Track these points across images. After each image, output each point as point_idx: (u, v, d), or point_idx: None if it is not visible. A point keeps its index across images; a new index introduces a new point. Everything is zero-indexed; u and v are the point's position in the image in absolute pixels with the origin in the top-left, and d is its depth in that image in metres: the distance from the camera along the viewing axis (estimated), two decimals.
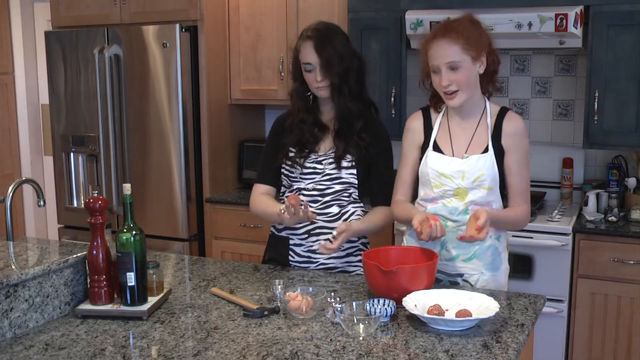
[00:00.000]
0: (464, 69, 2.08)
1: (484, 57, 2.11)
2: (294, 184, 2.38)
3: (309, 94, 2.37)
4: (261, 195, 2.44)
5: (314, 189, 2.34)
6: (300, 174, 2.36)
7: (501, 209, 2.22)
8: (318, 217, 2.33)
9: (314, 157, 2.36)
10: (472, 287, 2.18)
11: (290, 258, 2.39)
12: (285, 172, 2.39)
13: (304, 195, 2.34)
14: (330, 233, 2.24)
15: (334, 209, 2.35)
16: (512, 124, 2.18)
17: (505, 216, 2.19)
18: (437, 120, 2.25)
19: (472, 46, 2.07)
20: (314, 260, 2.37)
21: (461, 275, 2.21)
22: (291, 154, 2.36)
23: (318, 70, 2.28)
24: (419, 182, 2.27)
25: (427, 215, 2.07)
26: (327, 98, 2.34)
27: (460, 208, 2.17)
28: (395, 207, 2.28)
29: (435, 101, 2.25)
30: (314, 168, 2.35)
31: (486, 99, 2.22)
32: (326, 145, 2.37)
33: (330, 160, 2.34)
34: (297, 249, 2.38)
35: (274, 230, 2.47)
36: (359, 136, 2.33)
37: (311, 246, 2.35)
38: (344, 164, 2.33)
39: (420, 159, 2.25)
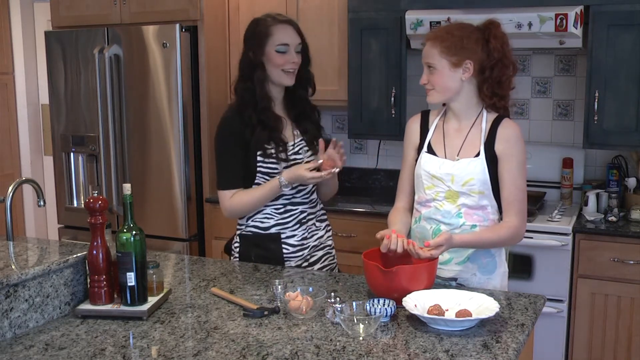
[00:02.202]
0: (439, 71, 2.14)
1: (469, 64, 2.11)
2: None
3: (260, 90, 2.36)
4: (239, 192, 2.39)
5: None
6: (284, 168, 2.36)
7: (497, 214, 2.21)
8: (305, 206, 2.44)
9: (290, 148, 2.39)
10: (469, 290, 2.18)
11: (284, 251, 2.42)
12: (264, 170, 2.37)
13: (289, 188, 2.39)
14: (315, 217, 2.48)
15: (315, 196, 2.49)
16: (506, 130, 2.16)
17: (479, 239, 2.13)
18: (434, 122, 2.27)
19: (451, 52, 2.11)
20: (306, 245, 2.45)
21: (455, 279, 2.20)
22: (270, 151, 2.34)
23: (293, 52, 2.35)
24: (415, 185, 2.28)
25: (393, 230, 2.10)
26: (277, 88, 2.39)
27: (452, 211, 2.17)
28: (390, 214, 2.33)
29: None
30: (294, 159, 2.38)
31: (483, 105, 2.20)
32: (289, 134, 2.41)
33: (306, 148, 2.42)
34: (290, 240, 2.42)
35: (258, 231, 2.43)
36: (310, 114, 2.47)
37: (303, 234, 2.43)
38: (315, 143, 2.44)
39: (417, 160, 2.26)
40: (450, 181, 2.16)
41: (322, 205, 2.57)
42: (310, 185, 2.43)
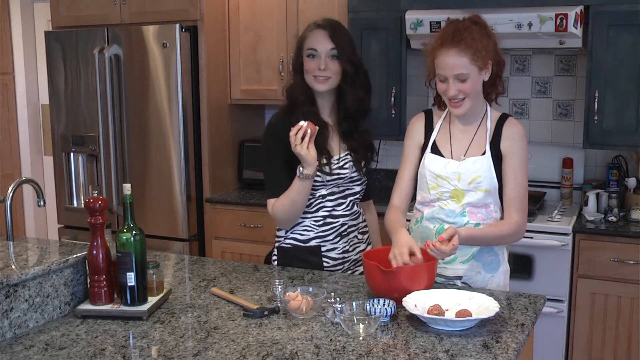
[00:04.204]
0: (471, 79, 2.09)
1: (489, 64, 2.12)
2: (316, 192, 2.32)
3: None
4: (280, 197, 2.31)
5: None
6: (327, 180, 2.31)
7: (499, 212, 2.21)
8: (346, 219, 2.36)
9: (335, 162, 2.32)
10: (471, 289, 2.17)
11: (325, 264, 2.37)
12: None
13: (328, 201, 2.34)
14: (356, 229, 2.41)
15: (357, 207, 2.42)
16: (511, 129, 2.17)
17: (483, 233, 2.12)
18: (439, 122, 2.25)
19: (479, 57, 2.07)
20: (347, 258, 2.40)
21: (460, 277, 2.20)
22: (315, 168, 2.24)
23: (323, 58, 2.26)
24: (417, 185, 2.27)
25: (407, 246, 2.02)
26: (323, 93, 2.32)
27: (457, 210, 2.17)
28: (388, 212, 2.27)
29: (440, 99, 2.25)
30: (339, 174, 2.33)
31: (487, 104, 2.22)
32: (336, 147, 2.35)
33: (351, 163, 2.35)
34: (331, 254, 2.36)
35: (297, 243, 2.38)
36: (362, 135, 2.38)
37: (344, 247, 2.37)
38: (363, 164, 2.40)
39: (420, 158, 2.25)
40: (456, 180, 2.16)
41: (364, 217, 2.49)
42: (352, 198, 2.38)
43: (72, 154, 4.10)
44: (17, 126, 5.34)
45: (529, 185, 3.61)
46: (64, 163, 4.12)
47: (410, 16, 3.40)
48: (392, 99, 3.59)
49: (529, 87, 3.76)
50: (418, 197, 2.27)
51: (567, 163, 3.57)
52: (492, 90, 2.22)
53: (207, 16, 3.81)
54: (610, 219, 3.27)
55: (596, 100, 3.22)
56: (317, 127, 2.19)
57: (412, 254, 2.01)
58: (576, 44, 3.23)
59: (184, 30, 3.73)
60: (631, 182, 3.45)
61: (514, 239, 2.21)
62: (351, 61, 2.30)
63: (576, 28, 3.11)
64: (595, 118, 3.24)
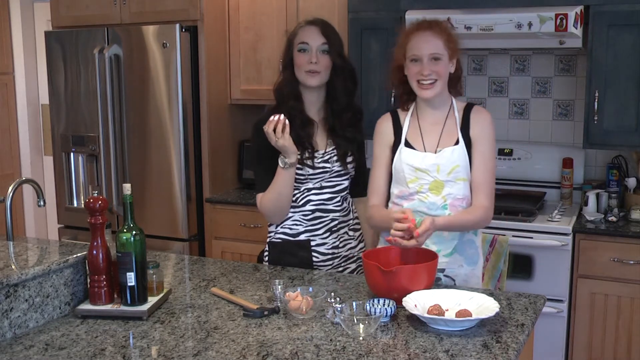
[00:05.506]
0: (444, 62, 2.17)
1: (455, 59, 2.21)
2: (302, 185, 2.36)
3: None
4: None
5: (322, 187, 2.37)
6: (310, 174, 2.35)
7: None
8: (337, 214, 2.39)
9: (319, 155, 2.36)
10: (454, 283, 2.22)
11: (314, 259, 2.39)
12: None
13: (314, 195, 2.36)
14: (347, 225, 2.42)
15: (346, 204, 2.44)
16: (479, 116, 2.24)
17: (459, 220, 2.17)
18: (406, 119, 2.29)
19: (452, 43, 2.19)
20: (337, 254, 2.41)
21: (442, 270, 2.22)
22: (297, 156, 2.29)
23: (314, 52, 2.31)
24: (393, 180, 2.29)
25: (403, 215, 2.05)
26: (313, 90, 2.36)
27: (438, 203, 2.19)
28: (373, 212, 2.28)
29: (404, 100, 2.31)
30: (323, 167, 2.36)
31: (452, 97, 2.28)
32: (322, 142, 2.38)
33: (335, 157, 2.38)
34: (320, 249, 2.39)
35: (287, 237, 2.40)
36: (347, 130, 2.40)
37: (334, 243, 2.39)
38: (348, 159, 2.41)
39: (392, 158, 2.27)
40: (436, 171, 2.19)
41: (356, 214, 2.51)
42: (342, 194, 2.41)
43: (72, 154, 4.10)
44: (17, 126, 5.34)
45: (529, 186, 3.64)
46: (64, 163, 4.12)
47: (410, 16, 3.40)
48: (392, 99, 3.59)
49: (529, 87, 3.76)
50: (395, 191, 2.28)
51: (567, 163, 3.58)
52: (452, 90, 2.28)
53: (207, 16, 3.81)
54: (610, 219, 3.27)
55: (596, 100, 3.22)
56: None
57: (402, 220, 2.02)
58: (576, 44, 3.23)
59: (184, 30, 3.73)
60: (631, 182, 3.45)
61: (484, 224, 2.25)
62: (341, 55, 2.36)
63: (576, 28, 3.11)
64: (595, 118, 3.24)
